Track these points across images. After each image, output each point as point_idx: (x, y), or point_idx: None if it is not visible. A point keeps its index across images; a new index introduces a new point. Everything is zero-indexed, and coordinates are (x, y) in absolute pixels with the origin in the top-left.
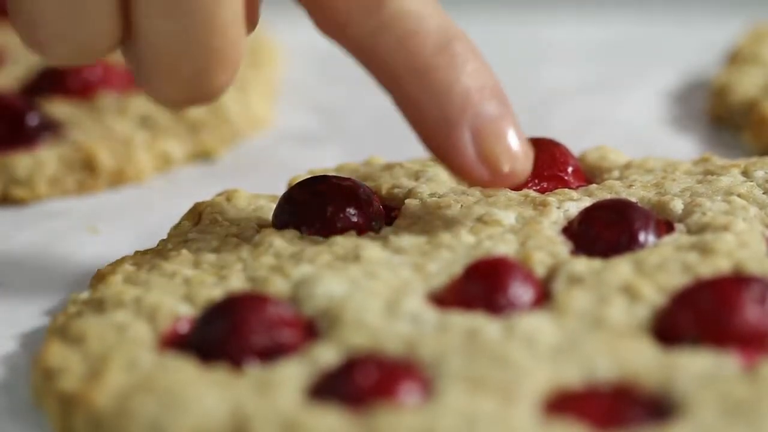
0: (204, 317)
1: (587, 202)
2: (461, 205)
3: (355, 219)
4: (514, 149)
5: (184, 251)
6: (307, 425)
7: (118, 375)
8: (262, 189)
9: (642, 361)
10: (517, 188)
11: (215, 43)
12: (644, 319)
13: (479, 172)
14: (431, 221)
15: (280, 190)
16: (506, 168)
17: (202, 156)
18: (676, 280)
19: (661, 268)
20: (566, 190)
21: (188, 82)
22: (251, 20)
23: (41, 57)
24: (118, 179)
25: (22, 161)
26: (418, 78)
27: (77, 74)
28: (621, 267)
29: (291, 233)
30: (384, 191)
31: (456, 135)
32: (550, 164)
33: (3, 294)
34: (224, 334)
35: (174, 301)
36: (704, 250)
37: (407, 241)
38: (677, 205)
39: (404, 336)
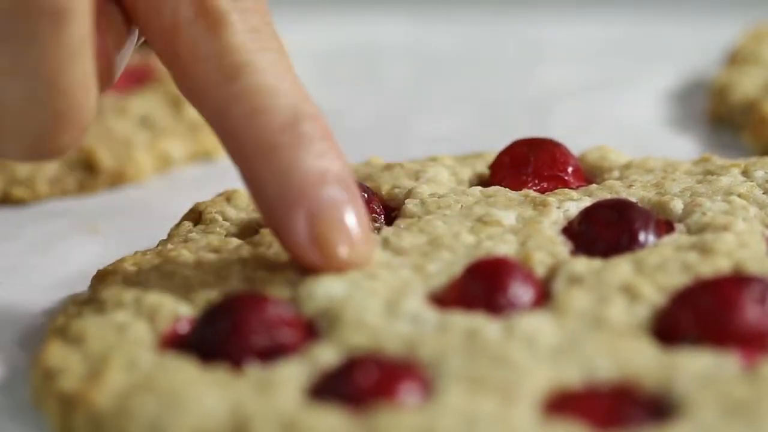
0: (204, 317)
1: (587, 202)
2: (461, 205)
3: None
4: (352, 235)
5: (184, 251)
6: (307, 425)
7: (118, 375)
8: None
9: (642, 361)
10: (517, 188)
11: (59, 105)
12: (644, 319)
13: (311, 256)
14: (431, 221)
15: None
16: (341, 253)
17: (202, 156)
18: (676, 280)
19: (661, 268)
20: (566, 190)
21: (31, 141)
22: (106, 79)
23: None
24: (118, 179)
25: None
26: (261, 155)
27: None
28: (621, 267)
29: None
30: (384, 191)
31: (290, 217)
32: (550, 164)
33: (3, 294)
34: (224, 334)
35: (174, 301)
36: (704, 250)
37: (407, 241)
38: (677, 205)
39: (404, 336)
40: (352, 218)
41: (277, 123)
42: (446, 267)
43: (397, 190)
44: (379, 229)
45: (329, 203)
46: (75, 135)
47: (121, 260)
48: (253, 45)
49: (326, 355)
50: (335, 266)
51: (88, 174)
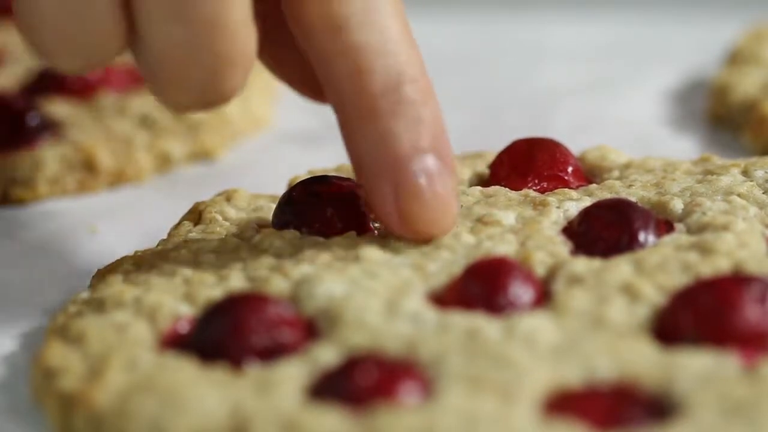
0: (204, 317)
1: (587, 202)
2: (461, 205)
3: (355, 219)
4: (437, 209)
5: (184, 251)
6: (307, 425)
7: (118, 375)
8: (262, 189)
9: (642, 361)
10: (516, 188)
11: (223, 47)
12: (644, 319)
13: (397, 228)
14: None
15: (280, 190)
16: (425, 228)
17: (202, 156)
18: (676, 279)
19: (661, 267)
20: (566, 190)
21: (198, 88)
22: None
23: (51, 64)
24: (118, 179)
25: (22, 161)
26: (359, 118)
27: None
28: (621, 267)
29: (291, 233)
30: None
31: (380, 187)
32: (550, 164)
33: (3, 294)
34: (224, 334)
35: (174, 301)
36: (704, 249)
37: (407, 241)
38: (677, 205)
39: (404, 336)
40: (439, 192)
41: (378, 86)
42: (446, 267)
43: None
44: (379, 229)
45: (417, 175)
46: (240, 78)
47: (121, 260)
48: None
49: (326, 355)
50: (419, 239)
51: (88, 174)
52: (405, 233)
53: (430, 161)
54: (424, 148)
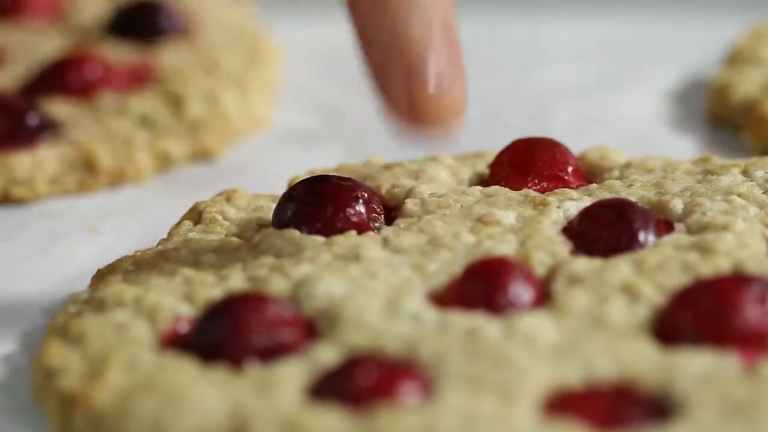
0: (204, 317)
1: (587, 202)
2: (461, 205)
3: (354, 219)
4: (442, 98)
5: (184, 251)
6: (307, 425)
7: (118, 375)
8: (262, 189)
9: (642, 361)
10: (517, 188)
11: None
12: (644, 319)
13: (406, 117)
14: (431, 221)
15: (280, 190)
16: (430, 115)
17: (202, 156)
18: (676, 279)
19: (661, 267)
20: (566, 189)
21: None
22: None
23: None
24: (118, 179)
25: (22, 161)
26: (372, 14)
27: (77, 74)
28: (621, 267)
29: (291, 233)
30: (384, 191)
31: (389, 79)
32: (550, 164)
33: (3, 294)
34: (224, 334)
35: (174, 301)
36: (704, 249)
37: (407, 241)
38: (677, 205)
39: (404, 336)
40: (447, 81)
41: None
42: (446, 266)
43: (397, 190)
44: (378, 229)
45: (427, 66)
46: None
47: (121, 260)
48: None
49: (326, 355)
50: (427, 126)
51: (88, 174)
52: (415, 126)
53: (439, 54)
54: (434, 42)
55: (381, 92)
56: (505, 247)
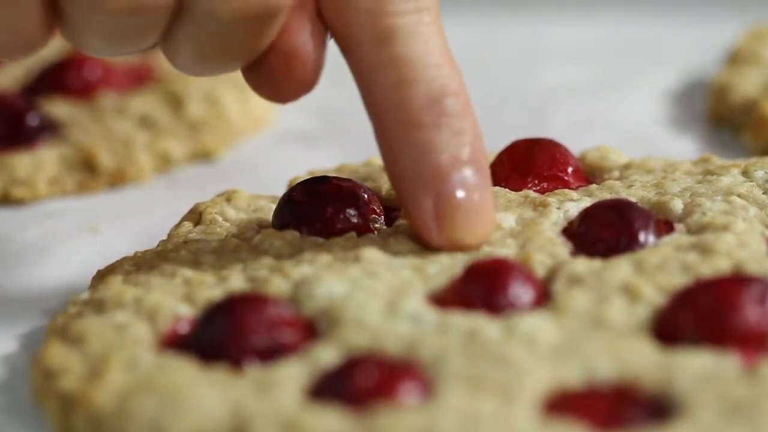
0: (204, 317)
1: (587, 203)
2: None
3: (355, 220)
4: (475, 220)
5: (184, 251)
6: (307, 425)
7: (118, 375)
8: (262, 189)
9: (642, 361)
10: (516, 188)
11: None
12: (644, 319)
13: (435, 238)
14: None
15: (280, 190)
16: (462, 238)
17: (202, 156)
18: (676, 280)
19: (661, 268)
20: (566, 190)
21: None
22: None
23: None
24: (118, 179)
25: (22, 161)
26: (402, 130)
27: (77, 74)
28: (621, 267)
29: (291, 234)
30: (384, 191)
31: (420, 197)
32: (550, 164)
33: (3, 294)
34: (224, 334)
35: (174, 302)
36: (704, 250)
37: (407, 242)
38: (677, 205)
39: (404, 336)
40: (477, 204)
41: (421, 99)
42: (446, 267)
43: None
44: (379, 230)
45: (457, 186)
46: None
47: (121, 260)
48: (409, 4)
49: (326, 355)
50: (457, 249)
51: (88, 174)
52: (444, 244)
53: (469, 173)
54: (464, 161)
55: (409, 209)
56: (505, 251)
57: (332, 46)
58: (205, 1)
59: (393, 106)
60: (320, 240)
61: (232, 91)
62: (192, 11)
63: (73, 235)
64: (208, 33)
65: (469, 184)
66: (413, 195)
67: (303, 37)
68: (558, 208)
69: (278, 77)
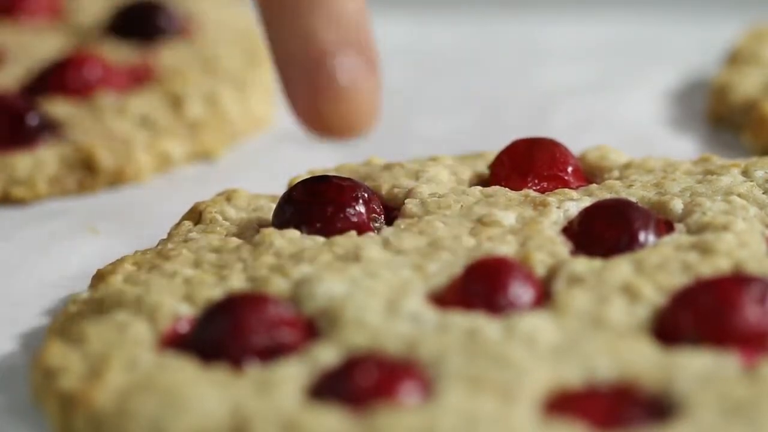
0: (204, 317)
1: (587, 202)
2: (461, 205)
3: (355, 219)
4: (353, 109)
5: (184, 251)
6: (307, 425)
7: (118, 375)
8: (262, 189)
9: (642, 361)
10: (517, 188)
11: None
12: (644, 319)
13: (313, 126)
14: (431, 221)
15: (280, 190)
16: (339, 127)
17: (202, 156)
18: (676, 279)
19: (661, 267)
20: (566, 190)
21: None
22: None
23: None
24: (118, 179)
25: (22, 161)
26: (279, 13)
27: (77, 74)
28: (621, 267)
29: (291, 233)
30: (384, 191)
31: (295, 85)
32: (550, 164)
33: (3, 294)
34: (224, 334)
35: (174, 301)
36: (704, 249)
37: (407, 241)
38: (677, 205)
39: (404, 336)
40: (358, 89)
41: None
42: (446, 267)
43: (397, 190)
44: (379, 229)
45: (335, 74)
46: None
47: (121, 260)
48: None
49: (326, 355)
50: (337, 138)
51: (88, 174)
52: (322, 133)
53: (349, 57)
54: (344, 44)
55: (288, 97)
56: (505, 248)
57: None
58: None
59: None
60: (320, 239)
61: (232, 91)
62: None
63: (73, 235)
64: None
65: (350, 69)
66: (290, 82)
67: None
68: (558, 208)
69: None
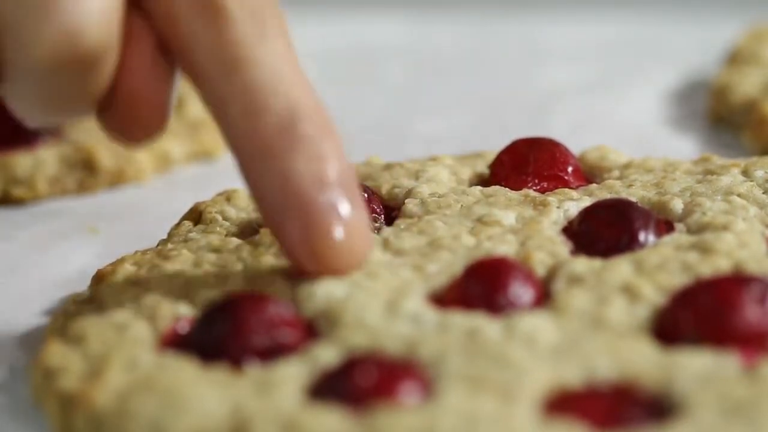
0: (204, 317)
1: (587, 202)
2: (461, 205)
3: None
4: (347, 242)
5: (184, 251)
6: (307, 425)
7: (118, 375)
8: None
9: (642, 361)
10: (517, 188)
11: None
12: (644, 319)
13: (307, 264)
14: (431, 221)
15: None
16: (335, 263)
17: (202, 156)
18: (676, 279)
19: (661, 267)
20: (566, 189)
21: None
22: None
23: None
24: (118, 179)
25: (22, 161)
26: (258, 158)
27: None
28: (621, 267)
29: None
30: (384, 191)
31: (286, 223)
32: (550, 164)
33: (3, 294)
34: (224, 334)
35: (174, 301)
36: (704, 249)
37: (407, 241)
38: (677, 205)
39: (404, 336)
40: (348, 224)
41: (272, 125)
42: (446, 267)
43: (397, 190)
44: (379, 229)
45: (325, 210)
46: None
47: (121, 260)
48: (254, 33)
49: (326, 355)
50: (330, 273)
51: (88, 174)
52: (318, 270)
53: (336, 195)
54: (329, 183)
55: (278, 239)
56: (506, 248)
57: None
58: (19, 57)
59: (246, 136)
60: None
61: None
62: (12, 66)
63: (73, 235)
64: (33, 84)
65: (338, 205)
66: (280, 224)
67: (143, 77)
68: (558, 208)
69: (124, 120)
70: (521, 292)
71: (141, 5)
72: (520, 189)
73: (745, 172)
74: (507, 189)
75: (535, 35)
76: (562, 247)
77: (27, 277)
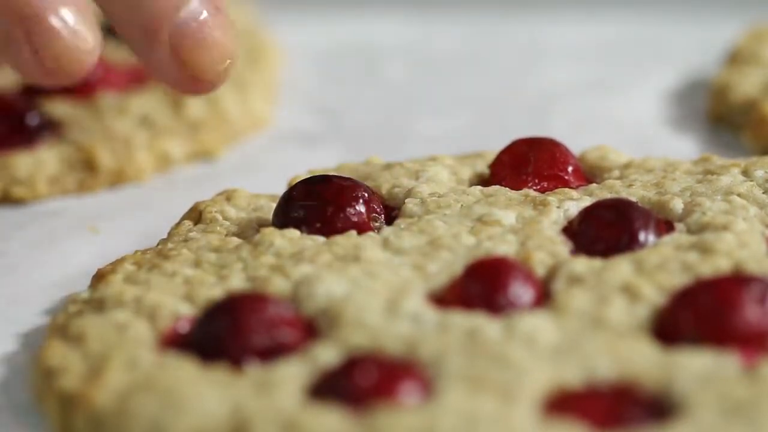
0: (204, 317)
1: (587, 202)
2: (461, 205)
3: (355, 219)
4: (217, 54)
5: (185, 251)
6: (307, 425)
7: (118, 374)
8: (262, 189)
9: (642, 361)
10: (517, 188)
11: None
12: (644, 319)
13: (183, 84)
14: (431, 221)
15: (280, 190)
16: (209, 75)
17: (202, 156)
18: (676, 279)
19: (661, 267)
20: (566, 189)
21: None
22: None
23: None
24: (118, 179)
25: (22, 161)
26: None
27: None
28: (621, 267)
29: (291, 233)
30: (384, 191)
31: (154, 48)
32: (550, 164)
33: (3, 294)
34: (224, 334)
35: (174, 301)
36: (704, 249)
37: (407, 241)
38: (677, 205)
39: (404, 336)
40: (216, 36)
41: None
42: (446, 267)
43: (397, 190)
44: (379, 229)
45: (189, 23)
46: None
47: (121, 260)
48: None
49: (326, 355)
50: (207, 87)
51: (88, 173)
52: (194, 89)
53: (195, 6)
54: None
55: (151, 68)
56: (506, 248)
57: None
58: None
59: None
60: (320, 239)
61: (232, 91)
62: None
63: (73, 235)
64: None
65: (200, 18)
66: (149, 52)
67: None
68: (558, 207)
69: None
70: (521, 291)
71: None
72: (520, 189)
73: (745, 172)
74: (507, 189)
75: (535, 35)
76: (562, 247)
77: (27, 277)
